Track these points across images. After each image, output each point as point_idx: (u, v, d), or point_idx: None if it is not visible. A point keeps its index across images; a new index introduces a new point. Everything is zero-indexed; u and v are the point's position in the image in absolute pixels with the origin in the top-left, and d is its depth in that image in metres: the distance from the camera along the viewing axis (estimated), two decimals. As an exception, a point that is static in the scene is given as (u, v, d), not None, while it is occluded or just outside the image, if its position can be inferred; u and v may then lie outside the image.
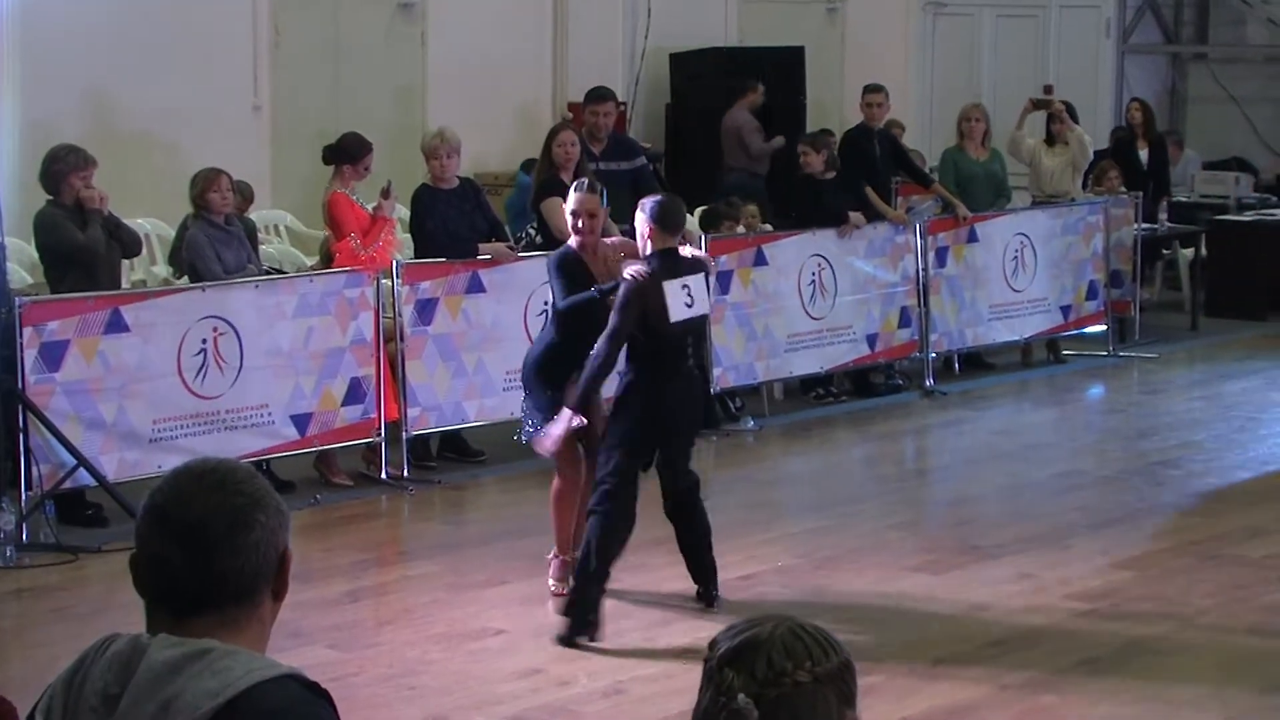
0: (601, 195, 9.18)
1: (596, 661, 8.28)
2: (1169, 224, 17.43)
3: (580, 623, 8.50)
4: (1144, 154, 17.54)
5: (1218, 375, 15.48)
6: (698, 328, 8.80)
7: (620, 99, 15.33)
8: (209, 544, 2.88)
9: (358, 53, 15.95)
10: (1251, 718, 7.73)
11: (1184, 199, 18.81)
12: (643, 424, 8.57)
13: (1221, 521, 10.74)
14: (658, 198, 8.87)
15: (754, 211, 14.23)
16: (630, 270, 8.58)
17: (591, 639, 8.47)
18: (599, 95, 13.22)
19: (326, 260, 11.96)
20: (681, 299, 8.52)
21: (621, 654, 8.37)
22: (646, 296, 8.46)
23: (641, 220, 8.65)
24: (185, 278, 11.52)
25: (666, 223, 8.60)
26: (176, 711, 2.78)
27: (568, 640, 8.47)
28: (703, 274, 8.69)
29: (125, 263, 11.71)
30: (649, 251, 8.63)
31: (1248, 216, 18.50)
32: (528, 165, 13.74)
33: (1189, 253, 18.00)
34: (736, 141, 16.74)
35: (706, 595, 9.01)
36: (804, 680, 2.66)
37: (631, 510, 8.62)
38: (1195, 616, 8.97)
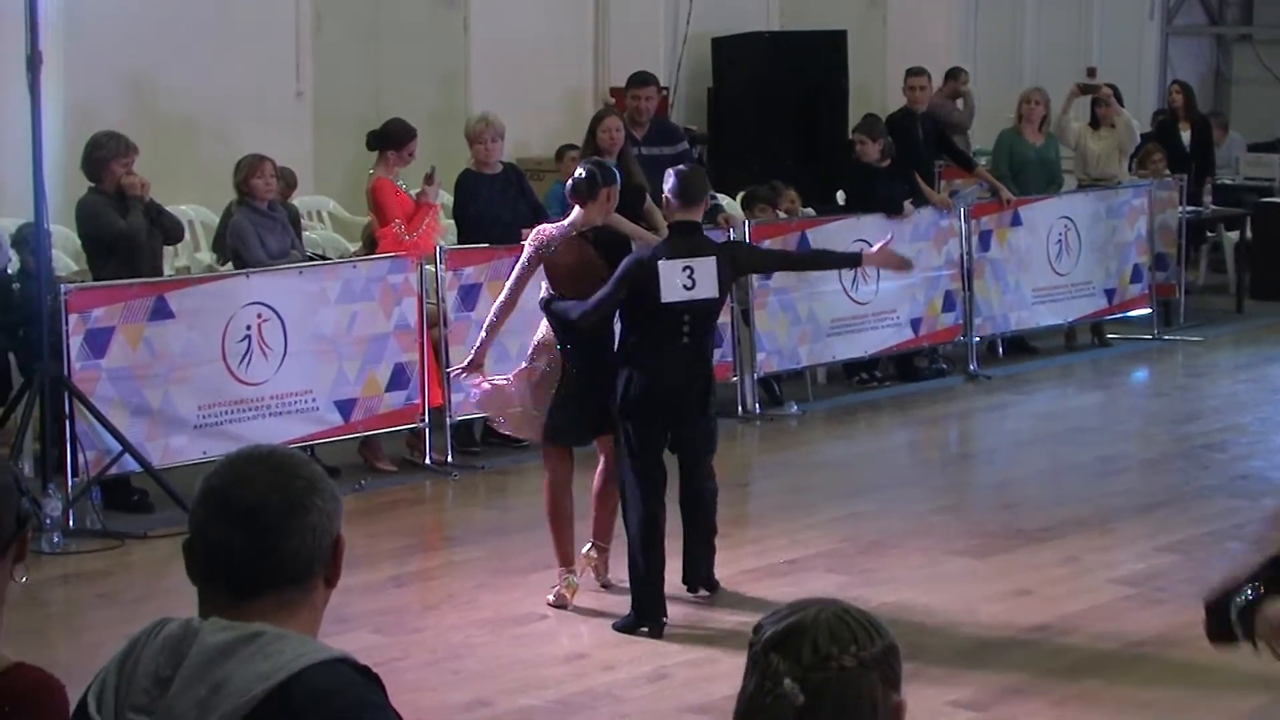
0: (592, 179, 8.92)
1: (641, 646, 8.29)
2: (1213, 206, 17.34)
3: (645, 618, 8.46)
4: (1186, 136, 17.47)
5: (1263, 358, 15.41)
6: (701, 310, 8.55)
7: (662, 84, 15.29)
8: (267, 526, 2.91)
9: (400, 38, 15.97)
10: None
11: (1229, 181, 18.70)
12: (643, 391, 8.44)
13: (1267, 504, 10.68)
14: (680, 168, 8.86)
15: (794, 196, 14.21)
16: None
17: (654, 634, 8.43)
18: (641, 80, 13.20)
19: (370, 246, 11.97)
20: (679, 280, 8.43)
21: (665, 639, 8.37)
22: (643, 273, 8.45)
23: (665, 190, 8.70)
24: (229, 264, 11.57)
25: (686, 195, 8.59)
26: (228, 694, 2.81)
27: (627, 629, 8.46)
28: (714, 258, 8.57)
29: (167, 249, 11.74)
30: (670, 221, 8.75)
31: (1293, 198, 18.39)
32: (562, 152, 13.80)
33: (1234, 235, 17.89)
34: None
35: (709, 583, 8.98)
36: (849, 665, 2.66)
37: (658, 491, 8.53)
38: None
